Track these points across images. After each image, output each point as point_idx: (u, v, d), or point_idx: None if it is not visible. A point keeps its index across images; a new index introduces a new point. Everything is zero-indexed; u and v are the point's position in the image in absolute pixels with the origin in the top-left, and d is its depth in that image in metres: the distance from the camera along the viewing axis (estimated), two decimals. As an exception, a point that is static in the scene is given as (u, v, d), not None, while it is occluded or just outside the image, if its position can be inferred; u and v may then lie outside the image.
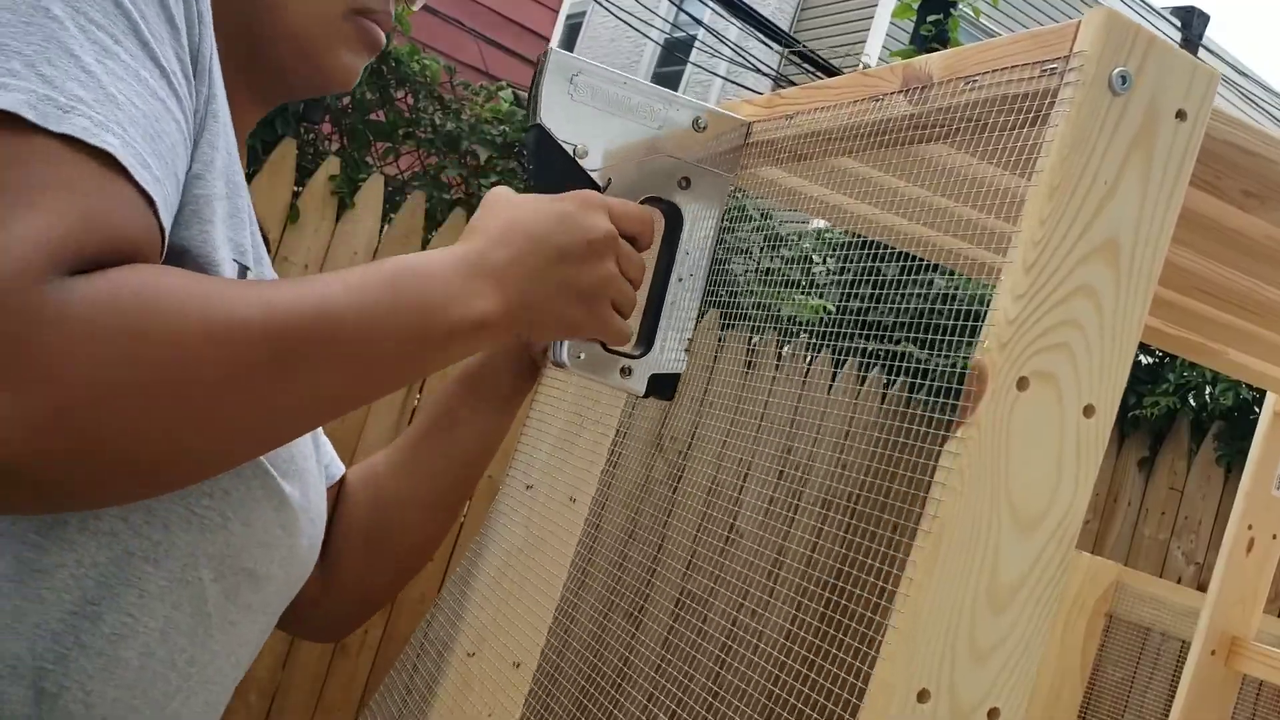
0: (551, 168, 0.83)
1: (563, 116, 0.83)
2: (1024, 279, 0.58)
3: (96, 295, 0.50)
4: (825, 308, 3.53)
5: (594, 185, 0.83)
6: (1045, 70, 0.61)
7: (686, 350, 0.89)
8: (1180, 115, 0.61)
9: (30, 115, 0.52)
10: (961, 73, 0.67)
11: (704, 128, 0.88)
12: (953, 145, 0.71)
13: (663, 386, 0.88)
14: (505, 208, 0.73)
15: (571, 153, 0.83)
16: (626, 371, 0.86)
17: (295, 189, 2.90)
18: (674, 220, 0.89)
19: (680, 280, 0.88)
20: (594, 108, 0.84)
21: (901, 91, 0.71)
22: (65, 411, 0.49)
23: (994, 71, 0.65)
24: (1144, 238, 0.61)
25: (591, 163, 0.84)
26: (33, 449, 0.49)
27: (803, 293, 3.56)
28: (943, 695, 0.59)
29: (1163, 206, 0.61)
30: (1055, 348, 0.60)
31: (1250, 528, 1.69)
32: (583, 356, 0.85)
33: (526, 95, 0.87)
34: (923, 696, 0.59)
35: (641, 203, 0.86)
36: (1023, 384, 0.59)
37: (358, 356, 0.59)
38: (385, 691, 1.25)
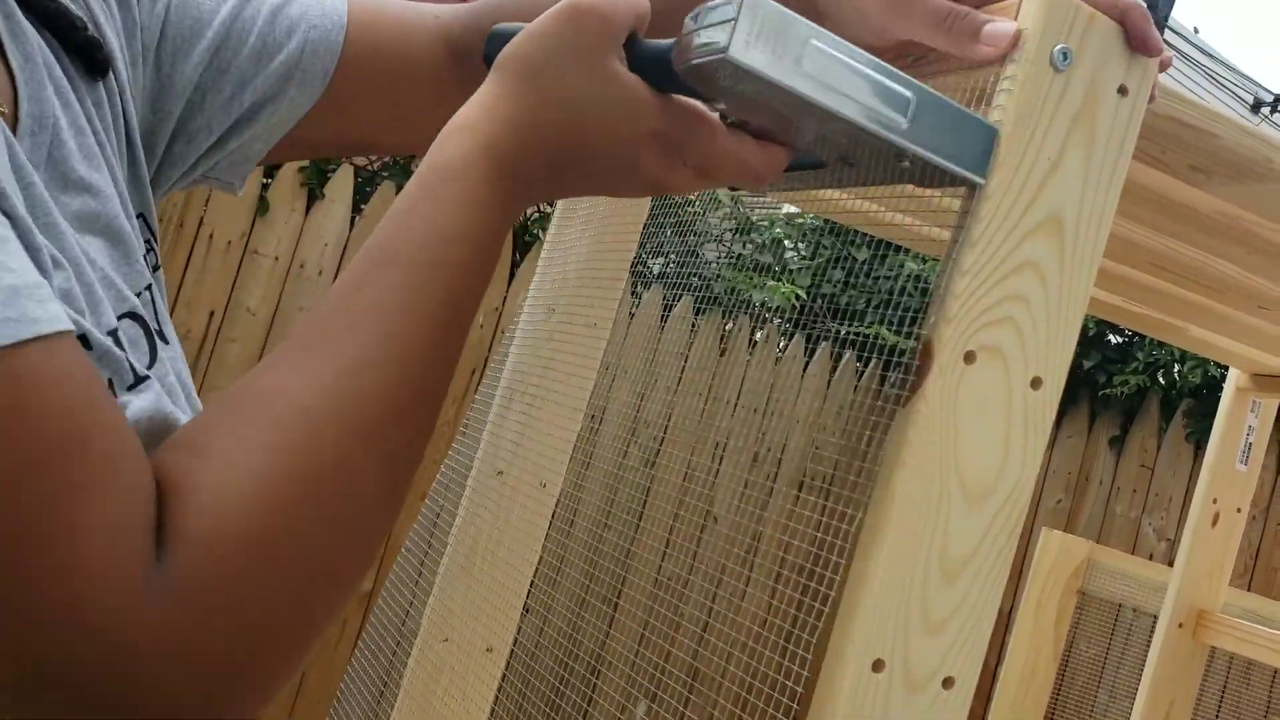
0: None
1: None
2: (969, 254, 0.59)
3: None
4: (796, 294, 3.54)
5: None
6: (988, 48, 0.61)
7: None
8: (1122, 91, 0.62)
9: None
10: (908, 52, 0.68)
11: None
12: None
13: None
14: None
15: None
16: None
17: (264, 180, 2.88)
18: None
19: None
20: None
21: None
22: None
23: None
24: (1088, 213, 0.62)
25: None
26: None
27: (774, 278, 3.57)
28: (897, 665, 0.60)
29: (1106, 182, 0.62)
30: (1001, 322, 0.60)
31: (1215, 501, 1.71)
32: None
33: None
34: (877, 666, 0.60)
35: None
36: (970, 358, 0.60)
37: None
38: (351, 681, 1.25)
